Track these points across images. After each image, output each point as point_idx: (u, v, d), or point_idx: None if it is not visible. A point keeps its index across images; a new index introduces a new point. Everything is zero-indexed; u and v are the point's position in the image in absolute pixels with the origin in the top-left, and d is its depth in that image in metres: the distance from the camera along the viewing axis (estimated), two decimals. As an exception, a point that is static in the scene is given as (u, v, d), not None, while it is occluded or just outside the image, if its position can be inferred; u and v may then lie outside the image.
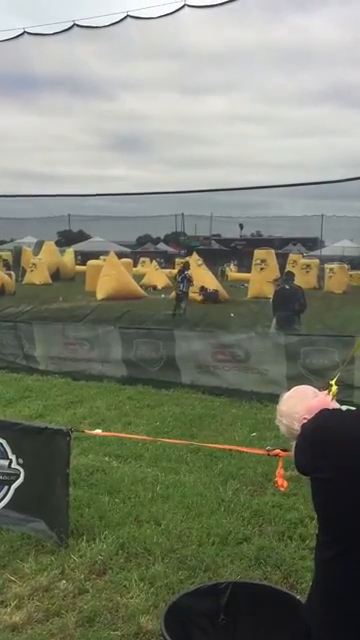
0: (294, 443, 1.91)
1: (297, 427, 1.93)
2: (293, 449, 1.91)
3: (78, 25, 9.91)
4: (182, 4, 9.08)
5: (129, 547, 4.40)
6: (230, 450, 6.01)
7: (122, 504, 5.14)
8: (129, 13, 9.35)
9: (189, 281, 20.09)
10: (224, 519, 4.85)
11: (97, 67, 12.02)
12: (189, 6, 9.13)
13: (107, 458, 6.23)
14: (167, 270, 33.93)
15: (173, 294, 20.55)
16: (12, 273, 29.58)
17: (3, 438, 4.74)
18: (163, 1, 9.20)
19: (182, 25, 9.48)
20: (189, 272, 20.90)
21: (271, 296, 13.27)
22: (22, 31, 10.42)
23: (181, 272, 20.60)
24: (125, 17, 9.46)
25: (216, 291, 24.13)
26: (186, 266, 21.59)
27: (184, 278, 19.96)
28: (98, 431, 6.04)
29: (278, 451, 3.48)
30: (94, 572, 4.13)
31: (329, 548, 1.70)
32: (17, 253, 36.05)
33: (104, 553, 4.31)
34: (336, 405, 1.98)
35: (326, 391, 2.15)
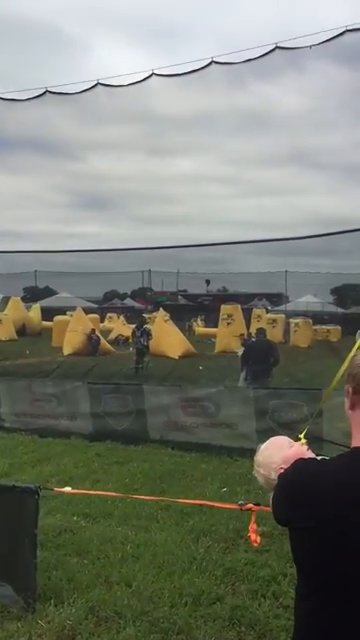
0: (271, 494, 1.93)
1: (274, 477, 1.95)
2: (270, 500, 1.92)
3: (50, 92, 10.26)
4: (150, 73, 9.55)
5: (99, 610, 4.26)
6: (201, 506, 5.94)
7: (91, 565, 4.99)
8: (99, 81, 9.76)
9: (148, 335, 20.24)
10: (196, 578, 4.75)
11: (67, 129, 12.40)
12: (157, 75, 9.59)
13: (75, 517, 6.08)
14: (134, 325, 34.03)
15: (131, 349, 20.74)
16: (-23, 329, 29.21)
17: (-32, 498, 4.60)
18: (132, 70, 9.66)
19: (150, 91, 9.94)
20: (148, 326, 21.06)
21: (238, 350, 13.41)
22: (-7, 97, 10.69)
23: (140, 326, 20.74)
24: (96, 84, 9.86)
25: (98, 338, 25.04)
26: (144, 320, 21.97)
27: (143, 332, 20.09)
28: (68, 489, 5.91)
29: (251, 505, 3.46)
30: (62, 638, 3.98)
31: (309, 600, 1.69)
32: (-18, 309, 35.71)
33: (73, 618, 4.16)
34: (312, 455, 2.02)
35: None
